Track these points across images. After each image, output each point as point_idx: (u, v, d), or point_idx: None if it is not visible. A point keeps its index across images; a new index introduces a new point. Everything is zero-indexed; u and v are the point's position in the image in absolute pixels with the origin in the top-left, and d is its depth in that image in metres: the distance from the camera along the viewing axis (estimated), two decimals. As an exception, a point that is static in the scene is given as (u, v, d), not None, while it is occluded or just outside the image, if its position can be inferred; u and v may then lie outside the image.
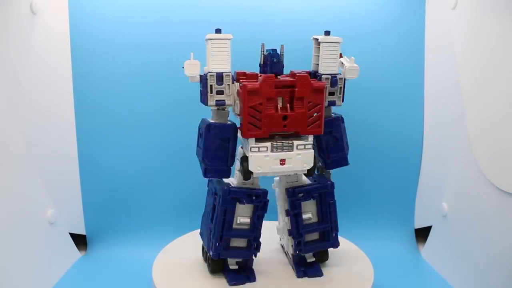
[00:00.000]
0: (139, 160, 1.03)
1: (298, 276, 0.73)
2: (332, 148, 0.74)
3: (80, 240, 1.02)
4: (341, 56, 0.72)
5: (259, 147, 0.66)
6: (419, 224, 1.07)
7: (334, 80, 0.72)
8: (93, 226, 1.03)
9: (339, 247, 0.81)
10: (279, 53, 0.70)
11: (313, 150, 0.68)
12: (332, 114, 0.75)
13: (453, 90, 0.92)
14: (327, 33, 0.72)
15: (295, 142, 0.67)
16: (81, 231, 1.03)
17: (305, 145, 0.68)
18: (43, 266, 0.86)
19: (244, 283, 0.71)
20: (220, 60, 0.68)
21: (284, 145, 0.67)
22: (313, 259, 0.76)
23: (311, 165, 0.68)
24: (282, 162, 0.67)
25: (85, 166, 1.01)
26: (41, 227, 0.89)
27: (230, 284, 0.71)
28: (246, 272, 0.73)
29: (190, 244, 0.82)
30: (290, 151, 0.67)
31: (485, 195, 0.78)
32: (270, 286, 0.71)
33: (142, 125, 1.02)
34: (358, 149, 1.05)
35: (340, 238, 0.86)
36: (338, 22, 1.02)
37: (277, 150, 0.67)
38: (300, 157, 0.67)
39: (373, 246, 0.94)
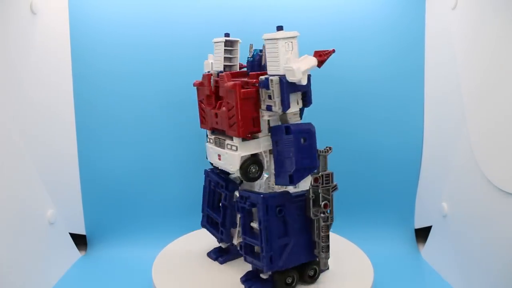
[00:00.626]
0: (139, 160, 1.03)
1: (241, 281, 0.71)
2: (275, 161, 0.65)
3: (80, 240, 1.02)
4: (318, 56, 0.62)
5: (210, 139, 0.72)
6: (419, 224, 1.07)
7: (262, 81, 0.63)
8: (93, 226, 1.03)
9: (339, 247, 0.82)
10: (261, 54, 0.71)
11: (238, 153, 0.65)
12: (301, 122, 0.66)
13: (453, 90, 0.92)
14: (279, 28, 0.62)
15: (225, 141, 0.68)
16: (81, 231, 1.03)
17: (231, 145, 0.67)
18: (43, 266, 0.86)
19: (214, 260, 0.78)
20: (217, 60, 0.74)
21: (220, 141, 0.69)
22: (266, 277, 0.69)
23: (236, 167, 0.66)
24: (219, 157, 0.70)
25: (85, 166, 1.01)
26: (41, 227, 0.89)
27: (207, 254, 0.79)
28: (226, 254, 0.78)
29: (190, 244, 0.82)
30: (222, 148, 0.69)
31: (485, 195, 0.78)
32: (229, 274, 0.73)
33: (142, 125, 1.02)
34: (358, 149, 1.06)
35: (340, 238, 0.87)
36: (338, 23, 1.02)
37: (215, 144, 0.70)
38: (227, 157, 0.67)
39: (373, 246, 0.94)
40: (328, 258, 0.68)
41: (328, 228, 0.67)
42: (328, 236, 0.67)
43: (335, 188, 0.67)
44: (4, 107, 0.80)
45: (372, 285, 0.71)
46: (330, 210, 0.66)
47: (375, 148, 1.06)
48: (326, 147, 0.65)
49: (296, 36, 0.62)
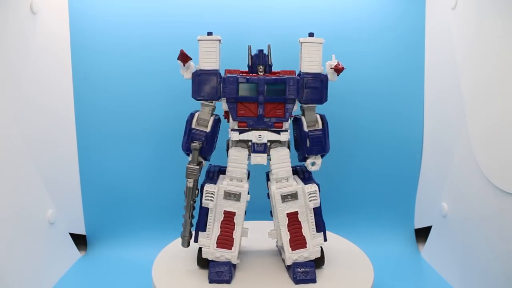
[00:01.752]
0: (139, 160, 1.03)
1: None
2: None
3: (80, 240, 1.02)
4: None
5: None
6: (419, 224, 1.07)
7: None
8: (93, 226, 1.03)
9: (339, 247, 0.82)
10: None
11: None
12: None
13: (453, 90, 0.92)
14: (209, 33, 0.73)
15: None
16: (81, 231, 1.03)
17: None
18: (43, 266, 0.86)
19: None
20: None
21: None
22: None
23: None
24: None
25: (85, 166, 1.01)
26: (41, 227, 0.89)
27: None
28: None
29: (191, 244, 0.82)
30: None
31: (485, 195, 0.78)
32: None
33: (142, 125, 1.02)
34: (358, 149, 1.06)
35: (340, 238, 0.87)
36: (339, 23, 1.02)
37: None
38: None
39: (373, 246, 0.94)
40: (184, 240, 0.75)
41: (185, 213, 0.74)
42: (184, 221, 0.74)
43: (188, 189, 0.73)
44: (4, 107, 0.80)
45: (372, 285, 0.71)
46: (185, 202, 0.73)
47: (375, 148, 1.06)
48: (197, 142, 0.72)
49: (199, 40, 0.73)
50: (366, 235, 1.02)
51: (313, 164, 0.74)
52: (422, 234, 1.06)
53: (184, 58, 0.71)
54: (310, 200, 0.72)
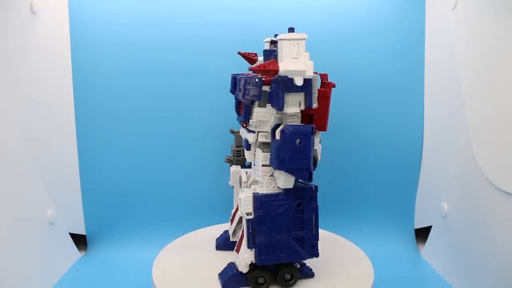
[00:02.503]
0: (139, 160, 1.03)
1: None
2: None
3: (80, 240, 1.02)
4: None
5: None
6: (419, 224, 1.07)
7: None
8: (93, 226, 1.03)
9: (339, 247, 0.82)
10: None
11: None
12: None
13: (453, 90, 0.92)
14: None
15: None
16: (81, 231, 1.03)
17: None
18: (43, 266, 0.86)
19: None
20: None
21: None
22: None
23: None
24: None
25: (85, 166, 1.01)
26: (41, 227, 0.89)
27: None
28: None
29: (190, 244, 0.82)
30: None
31: (485, 195, 0.78)
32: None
33: (142, 125, 1.02)
34: (357, 148, 1.06)
35: (340, 238, 0.87)
36: (339, 22, 1.02)
37: None
38: None
39: (373, 246, 0.94)
40: None
41: None
42: None
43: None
44: (4, 107, 0.80)
45: (372, 285, 0.71)
46: None
47: (375, 148, 1.06)
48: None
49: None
50: (366, 235, 1.02)
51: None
52: (422, 234, 1.06)
53: (248, 60, 0.74)
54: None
